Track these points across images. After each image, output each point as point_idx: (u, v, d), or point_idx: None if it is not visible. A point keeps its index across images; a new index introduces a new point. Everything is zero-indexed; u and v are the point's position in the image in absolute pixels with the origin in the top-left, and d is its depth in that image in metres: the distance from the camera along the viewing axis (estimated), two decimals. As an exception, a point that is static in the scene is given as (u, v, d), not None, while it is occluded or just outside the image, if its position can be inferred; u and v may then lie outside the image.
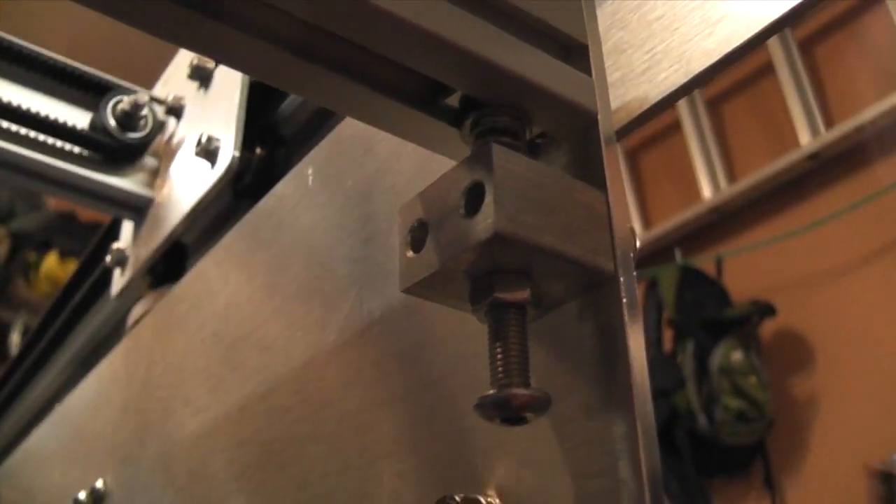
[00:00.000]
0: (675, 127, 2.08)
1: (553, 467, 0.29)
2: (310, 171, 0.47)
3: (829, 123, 1.83)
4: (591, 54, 0.33)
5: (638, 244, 0.30)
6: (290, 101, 0.66)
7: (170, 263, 0.69)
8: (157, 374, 0.57)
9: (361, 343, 0.40)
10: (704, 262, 1.98)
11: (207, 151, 0.62)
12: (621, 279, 0.28)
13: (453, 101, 0.32)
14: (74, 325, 0.90)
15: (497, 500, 0.30)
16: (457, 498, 0.29)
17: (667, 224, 2.09)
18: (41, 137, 0.66)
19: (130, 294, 0.73)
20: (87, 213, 2.37)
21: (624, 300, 0.28)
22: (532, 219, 0.27)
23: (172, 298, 0.58)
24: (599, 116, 0.31)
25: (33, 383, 1.01)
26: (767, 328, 1.89)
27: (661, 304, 1.90)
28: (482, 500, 0.30)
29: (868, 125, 1.73)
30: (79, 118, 0.69)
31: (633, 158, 2.26)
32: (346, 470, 0.38)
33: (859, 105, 1.76)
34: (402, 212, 0.30)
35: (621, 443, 0.26)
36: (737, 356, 1.80)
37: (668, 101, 0.37)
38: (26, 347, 1.05)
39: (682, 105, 2.02)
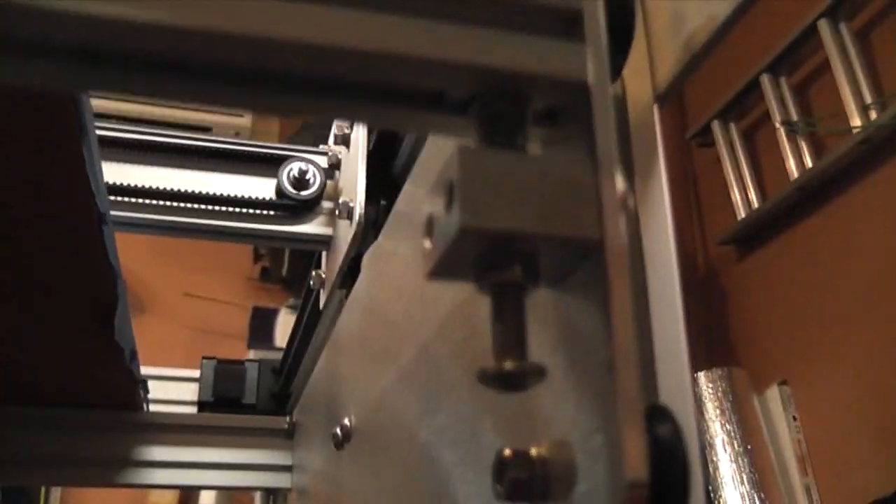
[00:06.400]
0: None
1: (567, 423, 0.31)
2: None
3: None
4: (584, 20, 0.33)
5: (632, 203, 0.31)
6: (403, 150, 0.78)
7: (355, 273, 0.83)
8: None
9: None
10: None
11: (347, 211, 0.80)
12: (607, 244, 0.30)
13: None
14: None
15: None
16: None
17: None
18: (241, 210, 0.89)
19: (333, 305, 0.89)
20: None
21: (609, 266, 0.29)
22: (502, 208, 0.29)
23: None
24: (590, 80, 0.32)
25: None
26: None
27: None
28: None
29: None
30: (264, 188, 0.90)
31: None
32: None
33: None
34: (423, 206, 0.33)
35: (610, 402, 0.28)
36: None
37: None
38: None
39: None
